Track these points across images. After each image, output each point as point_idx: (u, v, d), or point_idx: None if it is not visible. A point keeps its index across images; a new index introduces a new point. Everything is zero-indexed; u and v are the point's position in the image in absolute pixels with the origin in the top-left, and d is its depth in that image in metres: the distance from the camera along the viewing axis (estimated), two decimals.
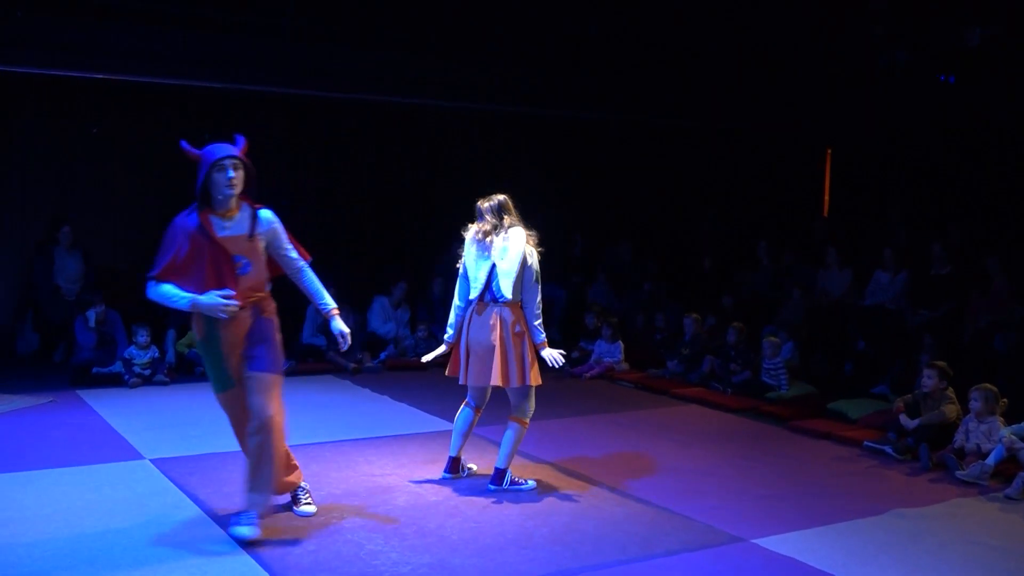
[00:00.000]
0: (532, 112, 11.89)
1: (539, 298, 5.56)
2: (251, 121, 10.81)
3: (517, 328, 5.48)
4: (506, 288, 5.45)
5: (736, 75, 11.99)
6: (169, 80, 9.73)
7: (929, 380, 6.85)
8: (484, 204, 5.58)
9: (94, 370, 8.58)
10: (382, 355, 9.94)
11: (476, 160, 11.67)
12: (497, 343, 5.43)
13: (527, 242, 5.52)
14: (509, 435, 5.60)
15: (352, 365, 9.50)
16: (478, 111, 11.60)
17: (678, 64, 11.96)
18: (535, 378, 5.53)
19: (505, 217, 5.52)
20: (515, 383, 5.46)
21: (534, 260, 5.55)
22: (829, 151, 12.58)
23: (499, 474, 5.62)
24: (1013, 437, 6.16)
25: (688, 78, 12.08)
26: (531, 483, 5.68)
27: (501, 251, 5.48)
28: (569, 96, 11.76)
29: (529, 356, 5.51)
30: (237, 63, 9.89)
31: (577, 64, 11.70)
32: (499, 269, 5.47)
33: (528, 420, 5.64)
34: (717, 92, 12.15)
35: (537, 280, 5.55)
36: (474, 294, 5.55)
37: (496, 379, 5.42)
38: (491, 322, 5.47)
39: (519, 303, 5.54)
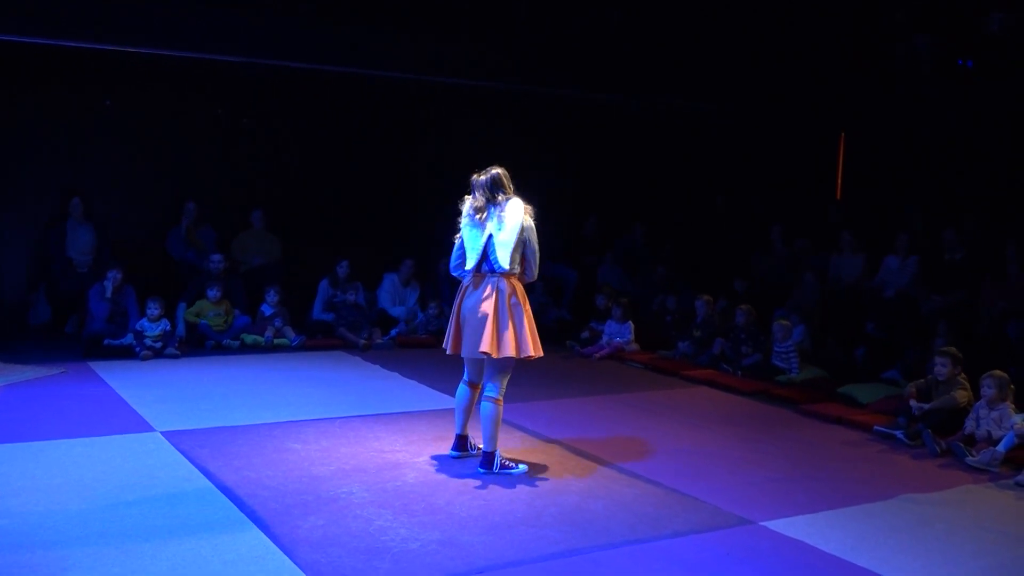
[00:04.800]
0: (546, 92, 11.82)
1: (535, 267, 5.57)
2: (261, 96, 10.82)
3: (513, 299, 5.43)
4: (503, 259, 5.41)
5: (752, 58, 11.89)
6: (181, 53, 9.71)
7: (943, 368, 6.82)
8: (477, 178, 5.52)
9: (106, 342, 8.61)
10: (392, 332, 9.96)
11: (487, 139, 11.62)
12: (491, 312, 5.37)
13: (525, 213, 5.46)
14: (485, 415, 5.49)
15: (362, 342, 9.51)
16: (490, 89, 11.54)
17: (693, 46, 11.86)
18: (532, 350, 5.44)
19: (499, 193, 5.46)
20: (507, 352, 5.36)
21: (532, 233, 5.50)
22: (843, 135, 12.48)
23: (487, 457, 5.52)
24: None
25: (703, 60, 11.99)
26: (522, 467, 5.58)
27: (498, 223, 5.42)
28: (583, 77, 11.68)
29: (526, 329, 5.43)
30: (249, 37, 9.85)
31: (593, 45, 11.62)
32: (496, 240, 5.42)
33: (501, 398, 5.53)
34: (733, 74, 12.06)
35: (535, 251, 5.52)
36: (470, 264, 5.52)
37: (486, 346, 5.33)
38: (486, 292, 5.44)
39: (516, 274, 5.50)
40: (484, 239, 5.45)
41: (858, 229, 10.48)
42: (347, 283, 10.08)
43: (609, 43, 11.66)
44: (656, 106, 12.52)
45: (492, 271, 5.48)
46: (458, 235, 5.63)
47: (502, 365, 5.49)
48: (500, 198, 5.46)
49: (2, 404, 6.73)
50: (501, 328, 5.37)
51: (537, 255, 5.56)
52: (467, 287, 5.57)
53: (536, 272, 5.61)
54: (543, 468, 5.68)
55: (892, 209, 11.07)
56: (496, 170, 5.52)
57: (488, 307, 5.39)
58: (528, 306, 5.54)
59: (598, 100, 12.31)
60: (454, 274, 5.72)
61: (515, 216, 5.40)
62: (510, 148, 11.05)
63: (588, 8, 11.42)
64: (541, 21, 11.25)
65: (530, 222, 5.49)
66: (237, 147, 10.79)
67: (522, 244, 5.46)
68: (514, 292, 5.46)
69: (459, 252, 5.61)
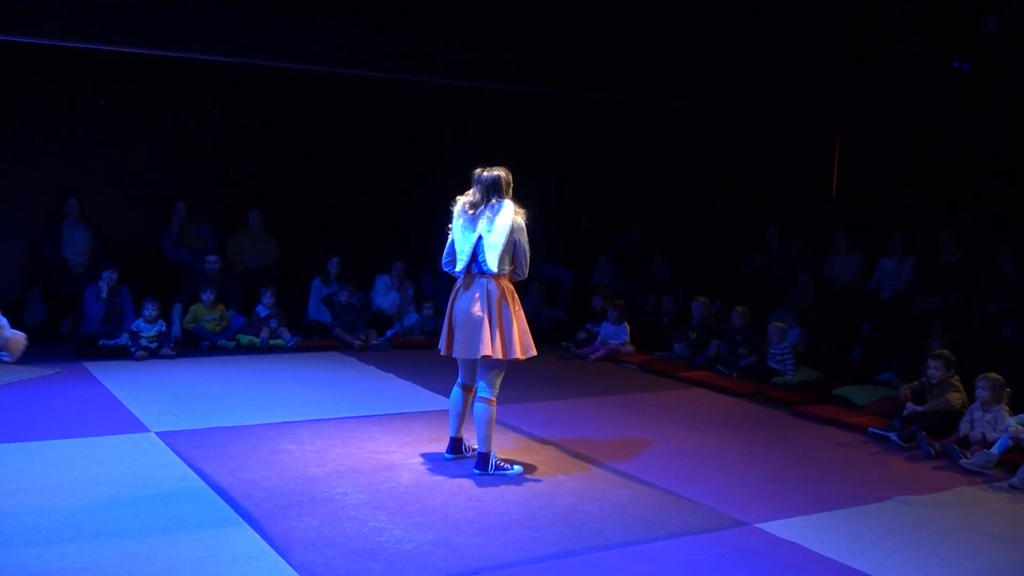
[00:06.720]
0: (545, 92, 11.83)
1: (526, 266, 5.53)
2: (258, 96, 10.81)
3: (502, 301, 5.42)
4: (492, 261, 5.40)
5: (749, 58, 11.90)
6: (178, 53, 9.71)
7: (936, 371, 6.83)
8: (479, 174, 5.51)
9: (101, 342, 8.61)
10: (388, 333, 9.95)
11: (481, 139, 11.63)
12: (484, 315, 5.38)
13: (515, 215, 5.44)
14: (479, 416, 5.49)
15: (358, 343, 9.51)
16: (484, 90, 11.54)
17: (692, 47, 11.87)
18: (522, 351, 5.47)
19: (494, 196, 5.44)
20: (498, 355, 5.38)
21: (522, 234, 5.48)
22: (839, 136, 12.49)
23: (482, 458, 5.53)
24: (1019, 427, 6.13)
25: (702, 61, 11.99)
26: (517, 468, 5.59)
27: (488, 224, 5.41)
28: (583, 77, 11.69)
29: (514, 330, 5.42)
30: (246, 38, 9.85)
31: (593, 45, 11.62)
32: (486, 242, 5.41)
33: (494, 399, 5.53)
34: (730, 75, 12.07)
35: (526, 251, 5.50)
36: (460, 267, 5.51)
37: (487, 350, 5.35)
38: (476, 294, 5.44)
39: (505, 275, 5.49)
40: (474, 240, 5.44)
41: (854, 230, 10.49)
42: (339, 280, 10.07)
43: (609, 43, 11.66)
44: (655, 106, 12.52)
45: (481, 272, 5.48)
46: (450, 228, 5.61)
47: (493, 366, 5.48)
48: (494, 200, 5.45)
49: None
50: (493, 330, 5.38)
51: (527, 255, 5.54)
52: (459, 288, 5.56)
53: (526, 271, 5.59)
54: (538, 469, 5.67)
55: (888, 210, 11.08)
56: (498, 172, 5.50)
57: (479, 310, 5.39)
58: (518, 306, 5.54)
59: (597, 100, 12.31)
60: (445, 270, 5.71)
61: (505, 219, 5.38)
62: (508, 148, 11.06)
63: (588, 8, 11.42)
64: (541, 21, 11.24)
65: (521, 223, 5.48)
66: (234, 148, 10.78)
67: (512, 246, 5.45)
68: (503, 294, 5.45)
69: (450, 249, 5.60)
